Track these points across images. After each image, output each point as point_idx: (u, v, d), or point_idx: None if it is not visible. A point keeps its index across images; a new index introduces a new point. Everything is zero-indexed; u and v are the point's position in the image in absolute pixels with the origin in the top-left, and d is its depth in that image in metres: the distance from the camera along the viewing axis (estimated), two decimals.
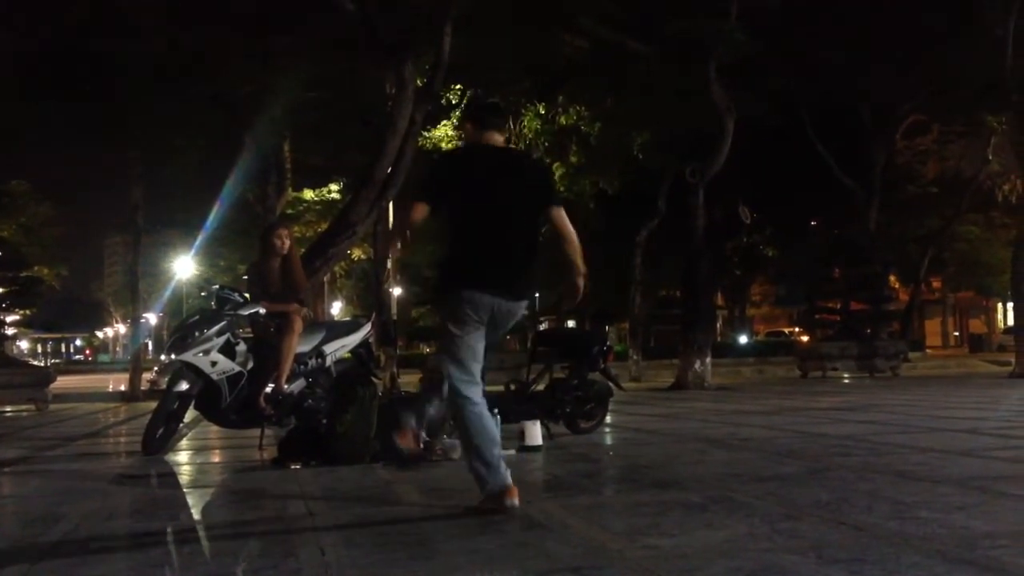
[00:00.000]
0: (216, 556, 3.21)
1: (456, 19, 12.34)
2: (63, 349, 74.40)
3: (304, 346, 6.55)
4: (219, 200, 17.47)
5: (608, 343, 7.53)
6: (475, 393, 3.79)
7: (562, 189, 17.81)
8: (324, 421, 6.03)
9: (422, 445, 5.38)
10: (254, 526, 3.74)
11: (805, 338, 25.46)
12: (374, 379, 6.88)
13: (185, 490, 5.03)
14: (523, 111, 18.90)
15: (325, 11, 12.73)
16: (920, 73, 20.11)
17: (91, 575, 2.96)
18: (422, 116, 12.68)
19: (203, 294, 7.53)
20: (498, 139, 4.05)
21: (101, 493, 4.76)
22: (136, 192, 18.12)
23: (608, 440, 6.98)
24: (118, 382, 24.03)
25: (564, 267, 3.99)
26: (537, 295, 19.11)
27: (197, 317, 6.65)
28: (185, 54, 14.48)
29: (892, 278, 29.80)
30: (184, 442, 7.56)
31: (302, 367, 6.56)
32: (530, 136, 19.20)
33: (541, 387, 7.24)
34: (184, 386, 6.28)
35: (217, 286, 6.71)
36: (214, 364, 6.23)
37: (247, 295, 6.58)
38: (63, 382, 18.56)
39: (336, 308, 41.58)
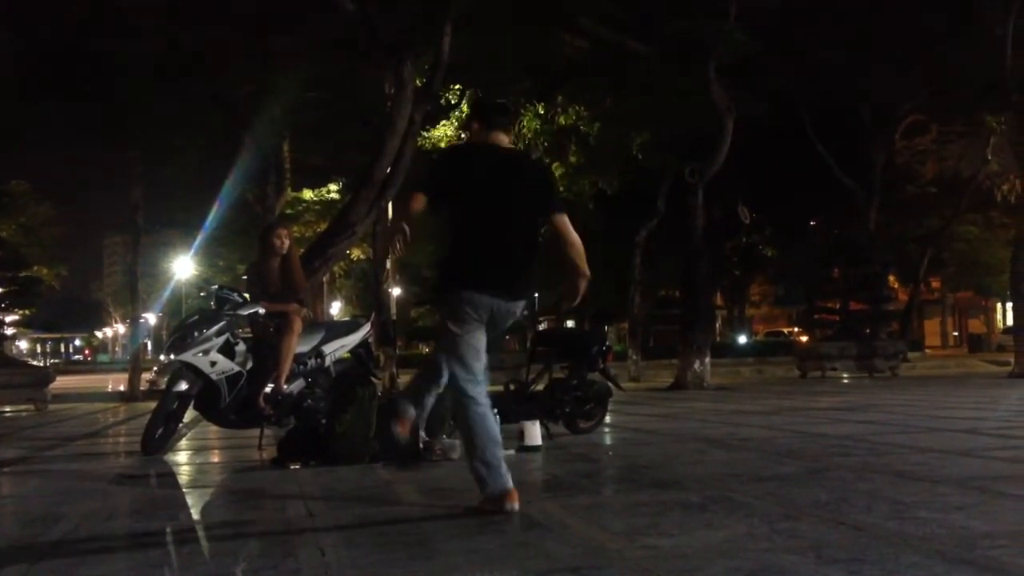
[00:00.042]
0: (216, 556, 3.21)
1: (456, 19, 12.34)
2: (62, 349, 74.40)
3: (303, 346, 6.55)
4: (218, 200, 17.46)
5: (607, 343, 7.53)
6: (479, 393, 3.78)
7: (561, 189, 17.80)
8: (323, 421, 6.03)
9: (422, 445, 5.39)
10: (253, 526, 3.74)
11: (804, 338, 25.48)
12: (373, 379, 6.88)
13: (184, 490, 5.03)
14: (522, 111, 18.90)
15: (325, 11, 12.74)
16: (920, 73, 20.11)
17: (91, 575, 2.96)
18: (421, 116, 12.68)
19: (202, 294, 7.53)
20: (503, 139, 4.05)
21: (101, 493, 4.76)
22: (136, 192, 18.12)
23: (607, 440, 6.98)
24: (117, 382, 24.03)
25: (567, 270, 4.00)
26: (537, 295, 19.12)
27: (196, 317, 6.65)
28: (185, 54, 14.49)
29: (891, 278, 29.82)
30: (183, 442, 7.56)
31: (301, 367, 6.56)
32: (529, 136, 19.20)
33: (540, 387, 7.24)
34: (183, 386, 6.29)
35: (216, 286, 6.71)
36: (213, 364, 6.24)
37: (246, 295, 6.58)
38: (62, 382, 18.56)
39: (335, 308, 41.57)
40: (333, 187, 24.31)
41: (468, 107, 18.07)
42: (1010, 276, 16.83)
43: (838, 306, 20.29)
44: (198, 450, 7.25)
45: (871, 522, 3.33)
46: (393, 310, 22.56)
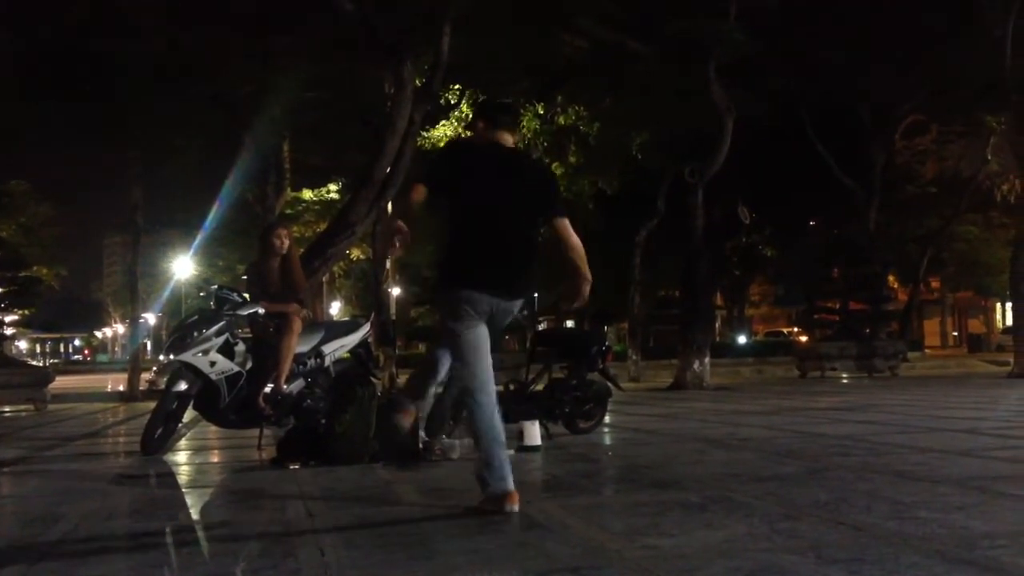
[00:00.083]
0: (215, 556, 3.21)
1: (455, 19, 12.34)
2: (62, 349, 74.48)
3: (303, 346, 6.55)
4: (218, 200, 17.46)
5: (607, 343, 7.53)
6: (482, 392, 3.76)
7: (561, 189, 17.81)
8: (323, 421, 6.02)
9: (421, 445, 5.38)
10: (253, 526, 3.74)
11: (804, 338, 25.47)
12: (373, 379, 6.88)
13: (184, 490, 5.03)
14: (522, 111, 18.89)
15: (325, 11, 12.73)
16: (920, 73, 20.12)
17: (90, 575, 2.95)
18: (421, 116, 12.69)
19: (202, 294, 7.53)
20: (508, 139, 4.05)
21: (100, 493, 4.76)
22: (136, 192, 18.12)
23: (607, 440, 6.98)
24: (117, 382, 24.03)
25: (568, 273, 3.99)
26: (536, 295, 19.10)
27: (196, 317, 6.65)
28: (185, 54, 14.48)
29: (891, 278, 29.83)
30: (183, 442, 7.56)
31: (301, 367, 6.56)
32: (529, 136, 19.20)
33: (540, 387, 7.24)
34: (183, 386, 6.29)
35: (216, 286, 6.71)
36: (213, 364, 6.24)
37: (246, 295, 6.58)
38: (62, 382, 18.56)
39: (335, 308, 41.57)
40: (333, 187, 24.30)
41: (468, 107, 18.08)
42: (1010, 276, 16.83)
43: (838, 306, 20.29)
44: (197, 450, 7.25)
45: (871, 522, 3.33)
46: (393, 310, 22.57)
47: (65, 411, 13.15)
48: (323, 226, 16.79)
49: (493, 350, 3.93)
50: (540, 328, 26.28)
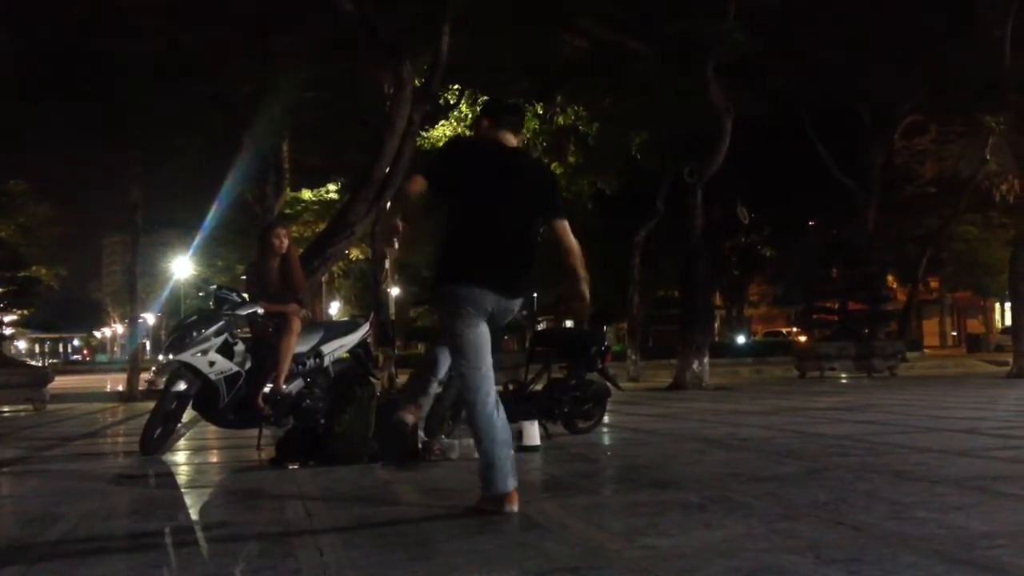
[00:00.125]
0: (214, 556, 3.21)
1: (455, 19, 12.34)
2: (61, 349, 74.43)
3: (302, 346, 6.55)
4: (217, 200, 17.46)
5: (606, 343, 7.52)
6: (483, 391, 3.74)
7: (562, 191, 17.83)
8: (322, 421, 6.03)
9: (420, 445, 5.39)
10: (252, 526, 3.74)
11: (803, 338, 25.48)
12: (372, 379, 6.87)
13: (183, 490, 5.03)
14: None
15: (325, 11, 12.73)
16: (920, 73, 20.13)
17: (89, 575, 2.96)
18: (420, 116, 12.69)
19: (201, 294, 7.52)
20: (511, 139, 4.04)
21: (99, 493, 4.76)
22: (135, 192, 18.11)
23: (606, 440, 6.98)
24: (116, 382, 24.01)
25: (567, 276, 4.00)
26: (536, 295, 19.10)
27: (195, 317, 6.65)
28: (185, 54, 14.48)
29: (890, 278, 29.86)
30: (182, 442, 7.56)
31: (300, 367, 6.56)
32: (528, 136, 19.21)
33: (539, 387, 7.24)
34: (182, 386, 6.29)
35: (215, 286, 6.72)
36: (212, 364, 6.23)
37: (245, 295, 6.58)
38: (61, 382, 18.55)
39: (334, 308, 41.55)
40: (332, 187, 24.30)
41: (467, 107, 18.08)
42: (1009, 276, 16.84)
43: (837, 306, 20.30)
44: (196, 450, 7.24)
45: (870, 522, 3.33)
46: (392, 310, 22.54)
47: (64, 411, 13.15)
48: (322, 226, 16.79)
49: (494, 350, 3.92)
50: (539, 328, 26.27)
